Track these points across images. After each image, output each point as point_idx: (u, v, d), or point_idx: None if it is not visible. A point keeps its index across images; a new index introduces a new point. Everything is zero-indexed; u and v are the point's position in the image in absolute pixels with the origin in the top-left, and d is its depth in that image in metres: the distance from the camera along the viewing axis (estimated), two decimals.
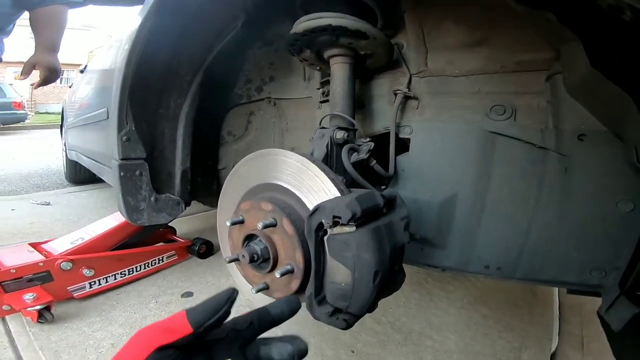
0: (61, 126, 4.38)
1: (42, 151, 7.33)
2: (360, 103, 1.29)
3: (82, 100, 2.44)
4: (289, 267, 0.78)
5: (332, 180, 0.75)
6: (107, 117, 1.34)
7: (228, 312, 0.45)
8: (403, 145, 1.13)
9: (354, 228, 0.68)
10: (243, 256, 0.80)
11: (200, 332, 0.41)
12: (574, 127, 0.89)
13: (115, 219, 1.96)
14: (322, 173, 0.77)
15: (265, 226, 0.76)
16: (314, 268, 0.75)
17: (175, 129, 1.42)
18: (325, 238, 0.73)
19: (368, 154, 1.04)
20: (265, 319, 0.49)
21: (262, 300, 0.89)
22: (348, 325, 0.76)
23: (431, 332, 1.76)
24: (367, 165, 1.08)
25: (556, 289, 2.20)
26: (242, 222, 0.86)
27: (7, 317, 1.63)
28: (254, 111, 1.67)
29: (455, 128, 1.03)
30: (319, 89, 1.42)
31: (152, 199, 1.40)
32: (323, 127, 1.10)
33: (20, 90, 13.10)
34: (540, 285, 1.16)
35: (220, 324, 0.44)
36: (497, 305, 2.01)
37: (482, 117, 0.99)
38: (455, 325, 1.82)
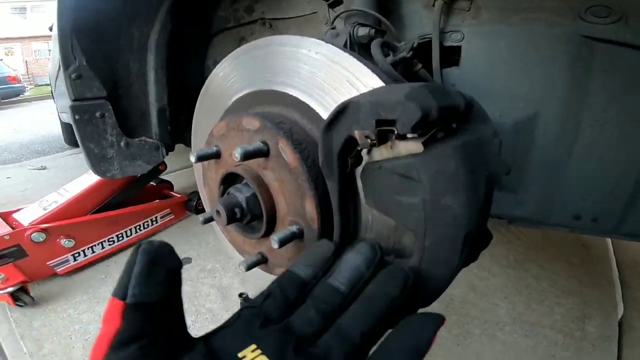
0: (52, 93, 4.31)
1: (43, 120, 7.25)
2: (384, 10, 0.99)
3: (53, 58, 2.31)
4: (293, 228, 0.46)
5: (368, 66, 0.39)
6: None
7: None
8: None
9: (421, 145, 0.33)
10: (217, 212, 0.47)
11: None
12: None
13: (94, 175, 1.63)
14: (345, 54, 0.41)
15: (248, 155, 0.42)
16: (338, 229, 0.42)
17: (143, 61, 1.23)
18: (359, 170, 0.38)
19: (411, 53, 0.68)
20: (291, 284, 0.34)
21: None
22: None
23: (476, 298, 1.51)
24: (410, 70, 0.72)
25: (610, 244, 1.93)
26: (216, 155, 0.52)
27: None
28: (245, 36, 1.43)
29: (532, 32, 0.83)
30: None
31: (123, 144, 1.19)
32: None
33: (13, 65, 13.11)
34: None
35: None
36: (548, 262, 1.74)
37: (571, 20, 0.80)
38: (503, 289, 1.55)
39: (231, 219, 0.47)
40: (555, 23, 0.81)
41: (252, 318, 0.32)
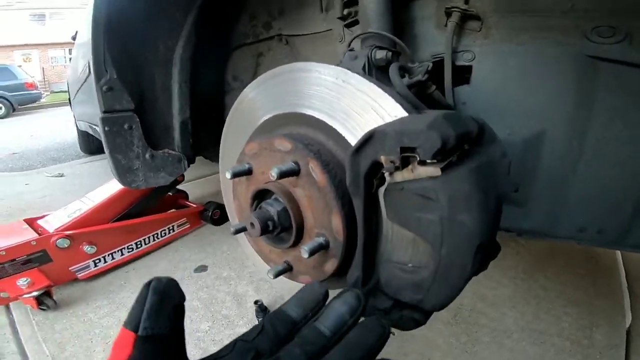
0: (69, 100, 4.40)
1: (59, 127, 7.39)
2: (397, 30, 1.01)
3: (75, 67, 2.36)
4: (321, 239, 0.51)
5: (391, 95, 0.45)
6: (90, 72, 1.21)
7: None
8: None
9: (439, 170, 0.38)
10: (252, 225, 0.52)
11: None
12: None
13: (116, 185, 1.70)
14: (371, 84, 0.46)
15: (282, 174, 0.48)
16: (361, 241, 0.47)
17: (168, 74, 1.26)
18: (382, 190, 0.43)
19: (426, 76, 0.73)
20: (283, 323, 0.38)
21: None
22: (416, 325, 0.48)
23: (485, 307, 1.52)
24: (424, 92, 0.76)
25: (619, 255, 1.93)
26: (248, 172, 0.57)
27: (11, 305, 1.48)
28: (262, 52, 1.47)
29: (541, 51, 0.85)
30: (340, 17, 1.13)
31: (148, 156, 1.22)
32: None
33: (30, 71, 13.28)
34: None
35: None
36: (556, 274, 1.75)
37: (578, 39, 0.82)
38: (512, 299, 1.57)
39: (264, 230, 0.52)
40: (562, 42, 0.83)
41: (245, 351, 0.36)
